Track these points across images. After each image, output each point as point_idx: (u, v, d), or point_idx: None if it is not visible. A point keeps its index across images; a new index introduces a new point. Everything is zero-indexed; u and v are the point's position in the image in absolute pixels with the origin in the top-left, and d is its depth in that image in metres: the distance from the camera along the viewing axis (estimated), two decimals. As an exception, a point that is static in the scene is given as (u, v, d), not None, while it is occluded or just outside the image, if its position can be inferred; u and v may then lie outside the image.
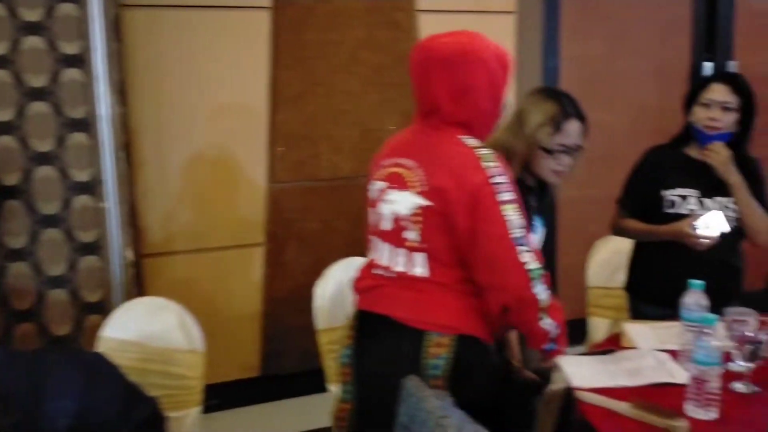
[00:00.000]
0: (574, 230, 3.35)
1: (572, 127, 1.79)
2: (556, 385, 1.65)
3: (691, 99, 2.15)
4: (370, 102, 2.91)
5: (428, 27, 2.87)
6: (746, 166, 2.13)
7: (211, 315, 2.53)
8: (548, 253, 1.83)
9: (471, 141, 1.53)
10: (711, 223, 1.98)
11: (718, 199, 2.12)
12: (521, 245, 1.47)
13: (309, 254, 2.87)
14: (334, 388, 1.91)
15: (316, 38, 2.78)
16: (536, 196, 1.87)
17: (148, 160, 2.61)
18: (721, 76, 2.11)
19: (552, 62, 3.30)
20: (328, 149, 2.87)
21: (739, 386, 1.58)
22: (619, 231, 2.32)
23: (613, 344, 1.88)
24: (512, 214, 1.48)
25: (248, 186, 2.79)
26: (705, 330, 1.44)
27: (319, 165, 2.88)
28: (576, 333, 2.79)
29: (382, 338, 1.57)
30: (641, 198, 2.23)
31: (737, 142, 2.13)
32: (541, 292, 1.49)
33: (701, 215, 2.00)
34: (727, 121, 2.09)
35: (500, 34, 2.92)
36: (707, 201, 2.12)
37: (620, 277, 2.42)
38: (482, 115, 1.56)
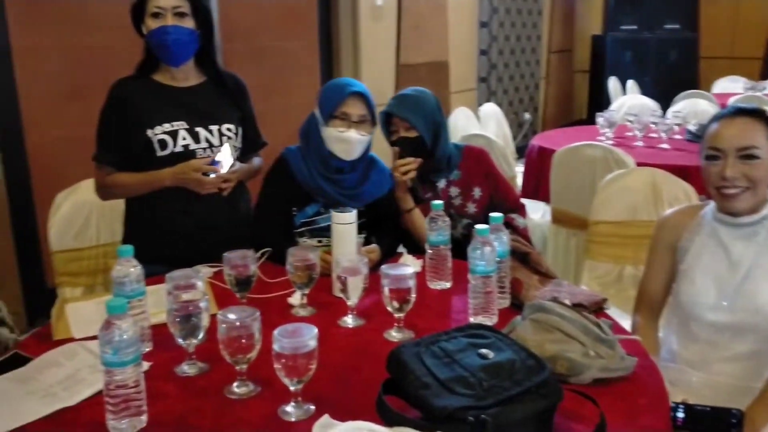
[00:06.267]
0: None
1: None
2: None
3: (141, 10, 1.77)
4: None
5: None
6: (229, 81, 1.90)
7: None
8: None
9: None
10: (222, 159, 1.71)
11: (211, 126, 1.82)
12: None
13: None
14: None
15: None
16: None
17: None
18: None
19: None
20: None
21: (185, 369, 1.23)
22: (106, 192, 1.87)
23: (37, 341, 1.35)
24: None
25: None
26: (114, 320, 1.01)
27: None
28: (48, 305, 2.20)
29: None
30: (123, 146, 1.79)
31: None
32: None
33: (209, 156, 1.74)
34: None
35: None
36: (200, 131, 1.80)
37: (107, 236, 2.11)
38: None
